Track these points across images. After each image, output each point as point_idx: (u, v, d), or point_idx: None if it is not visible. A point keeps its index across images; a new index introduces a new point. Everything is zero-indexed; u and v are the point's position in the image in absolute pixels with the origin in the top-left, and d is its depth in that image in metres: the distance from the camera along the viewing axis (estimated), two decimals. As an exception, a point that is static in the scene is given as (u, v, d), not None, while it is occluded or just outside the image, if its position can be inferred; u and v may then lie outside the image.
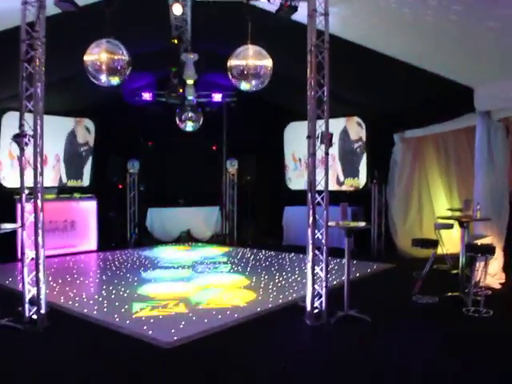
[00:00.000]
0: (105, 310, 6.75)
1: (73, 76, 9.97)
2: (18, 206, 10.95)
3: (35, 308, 5.99)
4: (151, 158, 13.57)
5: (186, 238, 13.55)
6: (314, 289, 6.26)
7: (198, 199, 13.55)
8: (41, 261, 5.94)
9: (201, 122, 11.09)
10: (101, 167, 13.13)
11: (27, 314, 6.03)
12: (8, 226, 6.16)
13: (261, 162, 13.73)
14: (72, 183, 12.86)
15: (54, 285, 8.21)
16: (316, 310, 6.29)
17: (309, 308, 6.27)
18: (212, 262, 10.51)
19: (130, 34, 7.60)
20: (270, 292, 7.75)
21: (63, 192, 12.07)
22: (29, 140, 5.96)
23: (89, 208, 12.08)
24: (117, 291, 7.81)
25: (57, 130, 12.36)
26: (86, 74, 6.81)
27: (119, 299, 7.32)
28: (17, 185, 11.28)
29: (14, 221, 10.68)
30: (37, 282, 5.91)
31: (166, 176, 13.62)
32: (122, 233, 13.21)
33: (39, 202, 5.98)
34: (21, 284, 6.13)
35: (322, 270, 6.33)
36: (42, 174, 5.99)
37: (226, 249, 12.55)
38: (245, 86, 6.61)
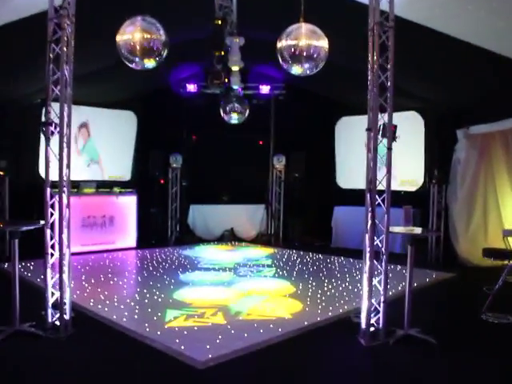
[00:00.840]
0: (135, 316, 6.12)
1: (112, 65, 9.44)
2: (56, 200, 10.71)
3: (58, 313, 5.42)
4: (194, 153, 12.98)
5: (230, 237, 12.89)
6: (370, 303, 5.44)
7: (242, 196, 12.87)
8: (65, 261, 5.35)
9: (246, 115, 10.36)
10: (142, 161, 12.64)
11: (50, 320, 5.48)
12: (31, 224, 5.62)
13: (310, 159, 12.94)
14: (112, 177, 12.39)
15: (86, 285, 7.68)
16: (372, 328, 5.48)
17: (364, 325, 5.46)
18: (255, 265, 9.80)
19: (169, 17, 6.96)
20: (318, 302, 6.96)
21: (103, 186, 11.58)
22: (55, 128, 5.38)
23: (129, 203, 11.57)
24: (151, 295, 7.19)
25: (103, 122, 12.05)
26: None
27: (152, 304, 6.69)
28: (55, 177, 11.15)
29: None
30: (60, 285, 5.33)
31: (209, 171, 12.97)
32: (163, 230, 12.67)
33: (65, 197, 5.38)
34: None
35: (379, 282, 5.51)
36: (68, 166, 5.40)
37: (270, 250, 11.81)
38: (296, 70, 5.82)
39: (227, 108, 10.14)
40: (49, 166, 5.45)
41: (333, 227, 12.63)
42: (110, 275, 8.53)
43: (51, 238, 5.47)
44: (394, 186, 11.66)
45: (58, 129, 5.36)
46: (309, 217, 13.23)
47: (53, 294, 5.50)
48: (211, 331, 5.64)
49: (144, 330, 5.60)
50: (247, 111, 10.27)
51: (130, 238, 11.56)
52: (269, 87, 12.34)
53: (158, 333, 5.52)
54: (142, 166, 12.63)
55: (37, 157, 10.84)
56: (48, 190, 5.51)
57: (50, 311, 5.46)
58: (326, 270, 9.42)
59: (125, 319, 5.98)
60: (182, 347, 5.06)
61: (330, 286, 7.95)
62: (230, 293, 7.51)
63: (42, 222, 5.56)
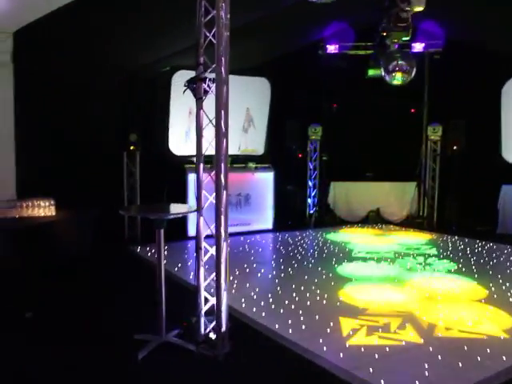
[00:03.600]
0: (303, 326, 4.84)
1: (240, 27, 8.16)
2: (190, 177, 9.82)
3: (213, 323, 4.27)
4: (335, 123, 11.45)
5: (375, 219, 11.34)
6: None
7: (390, 173, 11.20)
8: (223, 259, 4.14)
9: (413, 74, 8.61)
10: (278, 133, 11.35)
11: (202, 331, 4.33)
12: (179, 209, 4.51)
13: (471, 128, 10.92)
14: (245, 151, 11.23)
15: (231, 277, 6.53)
16: None
17: None
18: (418, 255, 8.20)
19: None
20: (533, 314, 5.31)
21: (236, 162, 10.45)
22: (209, 87, 4.16)
23: (265, 180, 10.38)
24: (311, 294, 5.90)
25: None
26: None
27: (318, 309, 5.38)
28: (189, 152, 10.17)
29: (184, 197, 9.43)
30: (217, 290, 4.14)
31: (352, 144, 11.41)
32: (301, 209, 11.39)
33: (222, 176, 4.16)
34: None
35: None
36: (226, 136, 4.14)
37: (427, 236, 10.09)
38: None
39: (390, 67, 8.46)
40: (202, 135, 4.26)
41: (499, 209, 10.62)
42: (254, 265, 7.37)
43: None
44: None
45: (212, 87, 4.13)
46: (469, 197, 11.25)
47: (206, 299, 4.35)
48: (410, 356, 4.23)
49: (320, 348, 4.30)
50: (414, 70, 8.53)
51: (266, 218, 10.39)
52: (423, 45, 10.54)
53: (341, 355, 4.18)
54: (277, 138, 11.34)
55: (166, 130, 9.92)
56: (201, 166, 4.32)
57: (202, 320, 4.32)
58: (510, 263, 7.68)
59: (291, 330, 4.71)
60: (382, 382, 3.68)
61: (534, 289, 6.22)
62: (407, 295, 6.02)
63: (188, 207, 4.45)
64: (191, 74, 10.22)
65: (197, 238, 4.31)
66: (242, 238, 9.42)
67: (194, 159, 10.01)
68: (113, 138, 9.27)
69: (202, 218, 4.29)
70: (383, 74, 8.55)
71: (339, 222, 11.23)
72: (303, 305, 5.51)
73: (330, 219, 11.28)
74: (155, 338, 4.33)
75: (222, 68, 4.03)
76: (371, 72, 10.86)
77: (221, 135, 4.04)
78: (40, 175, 7.75)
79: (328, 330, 4.75)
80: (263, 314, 5.15)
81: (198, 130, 4.24)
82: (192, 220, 9.24)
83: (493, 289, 6.24)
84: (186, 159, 9.90)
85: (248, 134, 11.03)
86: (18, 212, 6.95)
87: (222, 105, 4.00)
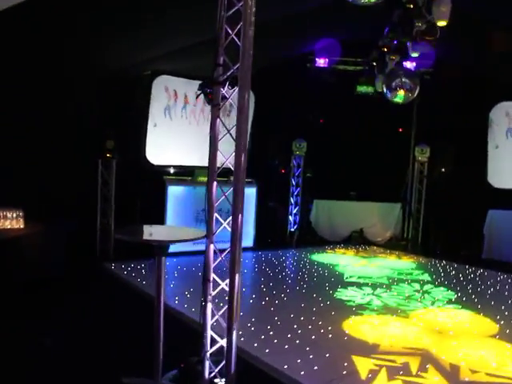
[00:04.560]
0: (315, 367, 4.26)
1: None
2: (169, 191, 9.13)
3: (219, 366, 3.65)
4: (321, 139, 10.96)
5: (358, 239, 10.90)
6: None
7: (374, 192, 10.84)
8: (235, 294, 3.53)
9: (416, 94, 8.13)
10: (260, 147, 10.79)
11: (207, 375, 3.70)
12: (186, 234, 3.93)
13: (460, 151, 10.66)
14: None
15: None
16: None
17: None
18: (414, 281, 7.76)
19: None
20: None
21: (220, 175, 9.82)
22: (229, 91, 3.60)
23: (247, 195, 9.63)
24: (314, 326, 5.33)
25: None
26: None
27: (326, 344, 4.83)
28: (164, 162, 9.49)
29: (163, 213, 8.71)
30: (228, 331, 3.51)
31: (337, 162, 10.95)
32: (282, 226, 10.84)
33: (240, 196, 3.59)
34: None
35: None
36: (245, 150, 3.58)
37: (413, 259, 9.69)
38: None
39: (393, 84, 8.00)
40: (217, 146, 3.68)
41: (485, 234, 10.36)
42: (243, 288, 6.77)
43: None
44: None
45: (233, 89, 3.56)
46: (454, 221, 10.96)
47: (212, 338, 3.73)
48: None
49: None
50: (417, 89, 8.09)
51: (247, 235, 9.77)
52: (414, 64, 10.21)
53: (366, 405, 3.64)
54: (260, 152, 10.79)
55: (143, 137, 9.23)
56: (214, 184, 3.73)
57: (207, 364, 3.69)
58: (508, 293, 7.34)
59: (303, 372, 4.13)
60: None
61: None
62: (415, 328, 5.53)
63: (196, 232, 3.88)
64: (173, 79, 9.71)
65: (205, 268, 3.70)
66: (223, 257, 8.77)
67: (171, 170, 9.60)
68: (86, 143, 8.54)
69: (212, 246, 3.68)
70: (384, 90, 8.10)
71: (320, 242, 10.73)
72: (308, 339, 4.94)
73: (311, 238, 10.78)
74: (148, 383, 3.68)
75: (247, 70, 3.46)
76: (360, 88, 10.53)
77: (241, 149, 3.47)
78: (5, 182, 6.94)
79: (344, 372, 4.20)
80: (267, 351, 4.56)
81: (213, 143, 3.65)
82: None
83: (502, 322, 5.83)
84: (163, 169, 9.28)
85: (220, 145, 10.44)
86: (-20, 223, 6.13)
87: (244, 114, 3.42)
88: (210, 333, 3.68)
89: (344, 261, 9.08)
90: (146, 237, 3.98)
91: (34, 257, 6.06)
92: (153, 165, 9.33)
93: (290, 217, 10.87)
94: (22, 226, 6.27)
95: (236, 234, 3.50)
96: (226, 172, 3.95)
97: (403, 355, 4.64)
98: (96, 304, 5.82)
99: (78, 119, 8.56)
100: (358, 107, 10.57)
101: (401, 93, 7.94)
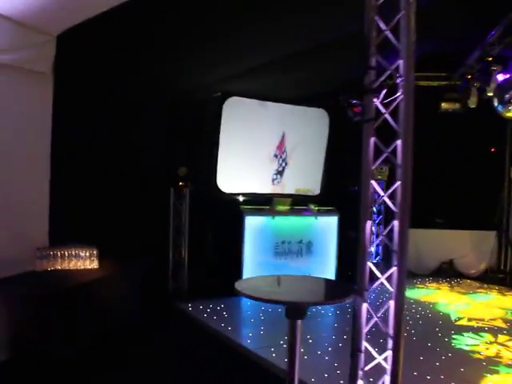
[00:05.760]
0: None
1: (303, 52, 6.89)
2: (247, 222, 8.34)
3: None
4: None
5: (449, 272, 9.83)
6: None
7: (464, 219, 9.76)
8: (400, 376, 2.67)
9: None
10: (336, 171, 9.96)
11: None
12: (332, 291, 3.12)
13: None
14: (299, 191, 9.80)
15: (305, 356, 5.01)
16: None
17: None
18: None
19: None
20: None
21: (296, 203, 9.04)
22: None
23: (328, 225, 8.95)
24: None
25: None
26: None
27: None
28: (236, 189, 8.72)
29: (241, 246, 7.95)
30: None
31: (421, 186, 9.87)
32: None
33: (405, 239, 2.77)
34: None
35: None
36: (408, 177, 2.75)
37: (519, 294, 8.59)
38: None
39: (506, 96, 7.06)
40: (371, 175, 2.87)
41: None
42: (344, 336, 5.86)
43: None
44: None
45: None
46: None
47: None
48: None
49: None
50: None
51: (328, 269, 8.90)
52: (508, 75, 9.20)
53: None
54: (336, 176, 9.96)
55: (215, 163, 8.55)
56: (369, 224, 2.95)
57: None
58: None
59: None
60: None
61: None
62: None
63: (341, 287, 3.10)
64: (244, 101, 9.01)
65: (353, 336, 2.86)
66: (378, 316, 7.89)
67: (240, 197, 8.84)
68: (158, 171, 7.91)
69: (365, 305, 2.85)
70: (495, 104, 7.15)
71: (407, 274, 9.69)
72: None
73: (397, 271, 9.77)
74: None
75: (409, 71, 2.65)
76: (446, 105, 9.59)
77: (406, 174, 2.65)
78: (77, 216, 6.29)
79: None
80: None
81: (366, 169, 2.84)
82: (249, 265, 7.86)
83: None
84: (235, 197, 8.58)
85: (294, 170, 9.65)
86: (52, 264, 5.45)
87: (409, 131, 2.62)
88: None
89: (442, 298, 8.05)
90: (274, 296, 3.11)
91: (111, 303, 5.34)
92: (224, 193, 8.63)
93: (371, 247, 9.89)
94: (96, 266, 5.59)
95: (400, 290, 2.65)
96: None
97: None
98: (177, 355, 5.06)
99: (149, 147, 7.97)
100: (442, 126, 9.64)
101: (513, 107, 6.96)
